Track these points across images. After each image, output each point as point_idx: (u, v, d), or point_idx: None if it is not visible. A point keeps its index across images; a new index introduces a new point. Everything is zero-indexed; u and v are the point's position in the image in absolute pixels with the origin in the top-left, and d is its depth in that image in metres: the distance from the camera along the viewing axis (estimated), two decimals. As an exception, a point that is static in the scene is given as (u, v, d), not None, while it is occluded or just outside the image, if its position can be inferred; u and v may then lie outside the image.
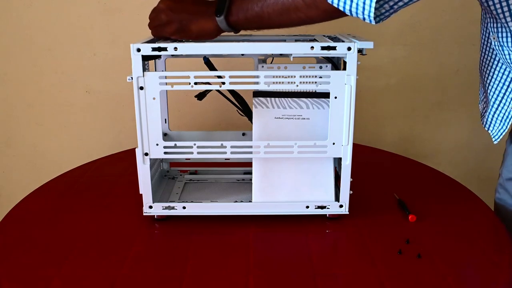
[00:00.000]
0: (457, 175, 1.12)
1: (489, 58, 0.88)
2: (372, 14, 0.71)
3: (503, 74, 0.85)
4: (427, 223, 0.87)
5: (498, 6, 0.77)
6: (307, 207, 0.86)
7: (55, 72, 1.42)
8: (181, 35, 0.83)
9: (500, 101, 0.87)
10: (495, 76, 0.87)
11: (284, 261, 0.76)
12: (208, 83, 0.81)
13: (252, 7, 0.79)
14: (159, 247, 0.80)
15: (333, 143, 0.82)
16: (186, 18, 0.82)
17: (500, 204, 0.97)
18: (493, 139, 0.92)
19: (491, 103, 0.90)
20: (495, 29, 0.83)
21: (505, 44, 0.82)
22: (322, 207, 0.86)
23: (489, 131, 0.93)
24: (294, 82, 0.80)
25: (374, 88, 1.46)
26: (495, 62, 0.86)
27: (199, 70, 0.80)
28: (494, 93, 0.88)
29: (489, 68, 0.88)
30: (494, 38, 0.84)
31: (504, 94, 0.86)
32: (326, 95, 0.86)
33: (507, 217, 0.94)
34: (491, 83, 0.88)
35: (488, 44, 0.87)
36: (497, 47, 0.84)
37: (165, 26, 0.83)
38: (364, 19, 0.72)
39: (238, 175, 1.01)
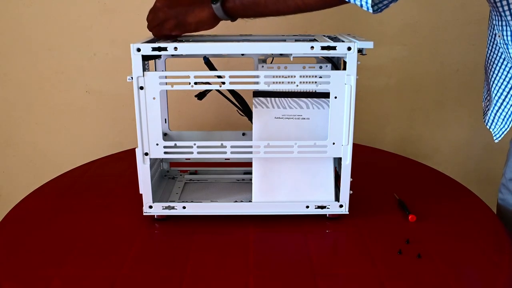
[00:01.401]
0: (457, 175, 1.12)
1: (494, 56, 0.88)
2: (370, 1, 0.70)
3: (508, 72, 0.85)
4: (427, 223, 0.87)
5: (505, 3, 0.77)
6: (307, 207, 0.86)
7: (55, 72, 1.42)
8: (180, 29, 0.83)
9: (504, 100, 0.87)
10: (499, 74, 0.87)
11: (284, 261, 0.76)
12: (208, 83, 0.81)
13: None
14: (159, 247, 0.80)
15: (333, 143, 0.82)
16: (182, 12, 0.82)
17: (502, 205, 0.96)
18: (494, 138, 0.91)
19: (494, 101, 0.89)
20: (500, 27, 0.83)
21: (510, 42, 0.82)
22: (322, 207, 0.86)
23: (491, 130, 0.92)
24: (294, 82, 0.80)
25: (374, 88, 1.46)
26: (501, 60, 0.86)
27: (199, 70, 0.80)
28: (498, 91, 0.88)
29: (494, 66, 0.88)
30: (499, 36, 0.84)
31: (508, 93, 0.86)
32: (326, 95, 0.86)
33: (510, 218, 0.94)
34: (495, 81, 0.88)
35: (495, 42, 0.87)
36: (502, 44, 0.84)
37: (163, 25, 0.83)
38: (361, 6, 0.72)
39: (238, 175, 1.01)
